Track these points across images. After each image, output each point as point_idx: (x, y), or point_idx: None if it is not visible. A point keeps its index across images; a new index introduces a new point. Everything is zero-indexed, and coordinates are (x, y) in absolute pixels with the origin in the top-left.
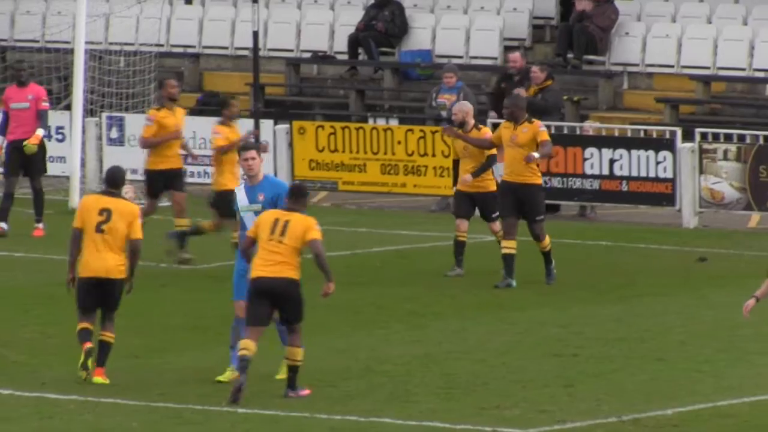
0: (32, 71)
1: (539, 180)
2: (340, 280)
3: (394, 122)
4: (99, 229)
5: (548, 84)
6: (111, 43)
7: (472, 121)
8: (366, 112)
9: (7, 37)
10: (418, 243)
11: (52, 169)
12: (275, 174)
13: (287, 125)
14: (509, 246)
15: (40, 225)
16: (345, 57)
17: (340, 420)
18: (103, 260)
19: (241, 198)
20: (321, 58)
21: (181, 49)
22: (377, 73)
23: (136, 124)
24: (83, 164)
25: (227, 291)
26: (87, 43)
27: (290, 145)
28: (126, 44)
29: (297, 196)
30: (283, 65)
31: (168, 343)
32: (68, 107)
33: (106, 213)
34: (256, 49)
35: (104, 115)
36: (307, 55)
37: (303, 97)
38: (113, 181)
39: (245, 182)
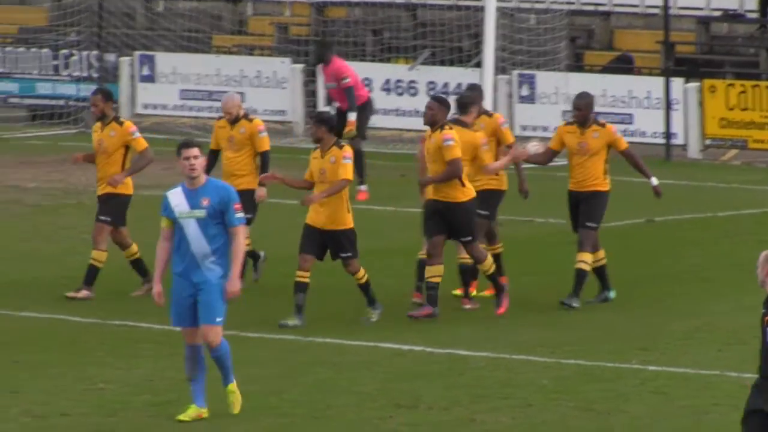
0: (442, 29)
1: (606, 187)
2: (742, 238)
3: None
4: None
5: None
6: (522, 1)
7: (241, 112)
8: None
9: None
10: None
11: None
12: (685, 132)
13: (697, 84)
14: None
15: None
16: (755, 15)
17: (750, 377)
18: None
19: (179, 203)
20: (731, 16)
21: (591, 8)
22: None
23: (546, 82)
24: None
25: (636, 250)
26: (498, 0)
27: (700, 103)
28: (537, 2)
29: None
30: (693, 23)
31: (580, 301)
32: (478, 65)
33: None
34: (666, 7)
35: (515, 72)
36: (718, 13)
37: (713, 55)
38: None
39: (183, 185)
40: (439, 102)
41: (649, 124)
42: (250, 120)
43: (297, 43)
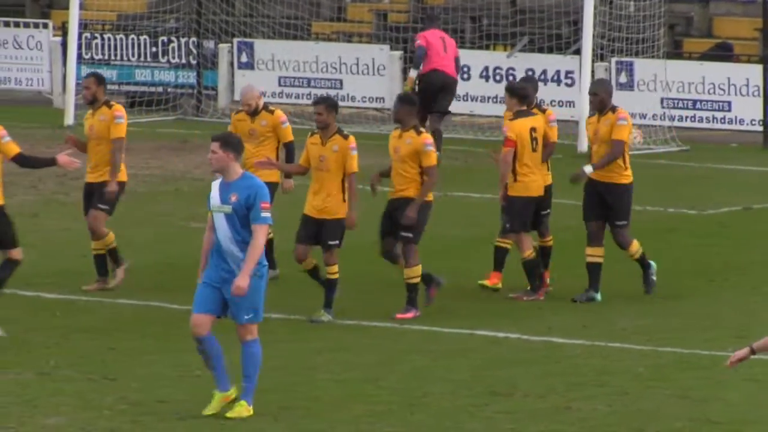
0: (541, 16)
1: (625, 179)
2: None
3: None
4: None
5: None
6: None
7: (261, 103)
8: None
9: None
10: None
11: (562, 113)
12: None
13: None
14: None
15: None
16: None
17: None
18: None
19: (214, 195)
20: None
21: None
22: None
23: (645, 69)
24: None
25: (734, 237)
26: None
27: None
28: None
29: None
30: None
31: (677, 289)
32: (577, 52)
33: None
34: None
35: (613, 59)
36: None
37: None
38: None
39: (223, 178)
40: (402, 101)
41: (747, 112)
42: (271, 111)
43: (396, 30)
